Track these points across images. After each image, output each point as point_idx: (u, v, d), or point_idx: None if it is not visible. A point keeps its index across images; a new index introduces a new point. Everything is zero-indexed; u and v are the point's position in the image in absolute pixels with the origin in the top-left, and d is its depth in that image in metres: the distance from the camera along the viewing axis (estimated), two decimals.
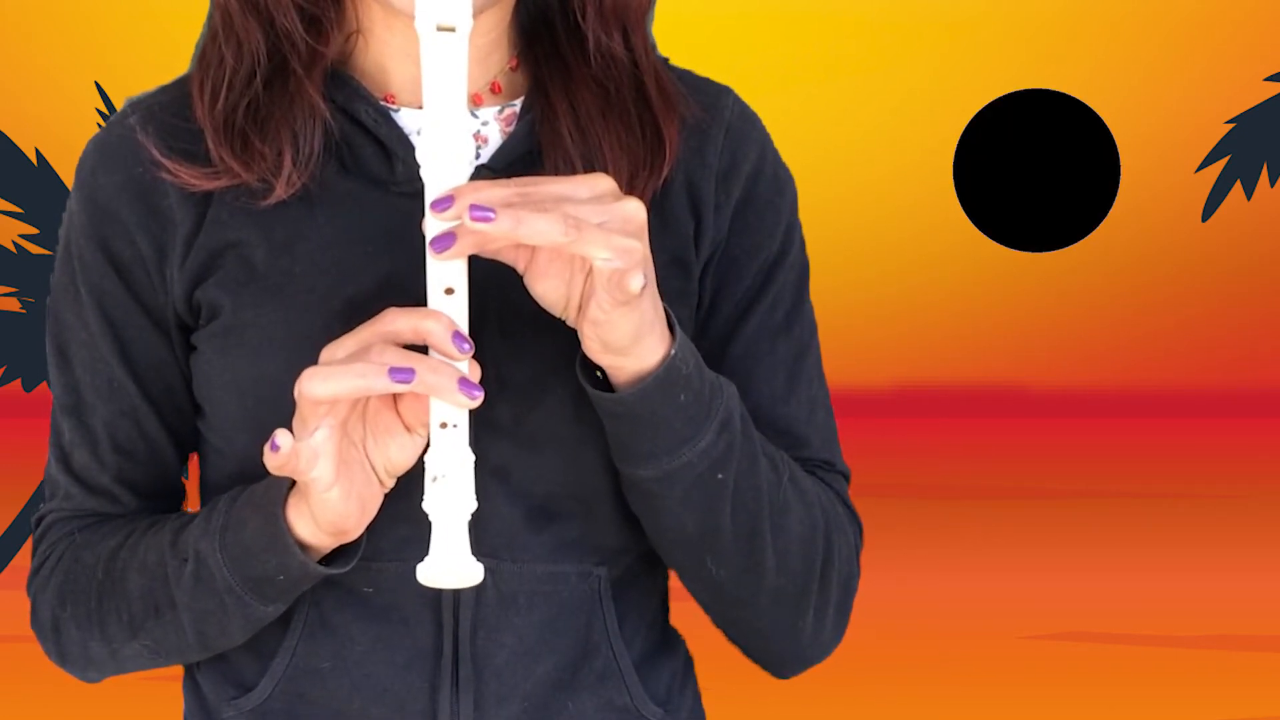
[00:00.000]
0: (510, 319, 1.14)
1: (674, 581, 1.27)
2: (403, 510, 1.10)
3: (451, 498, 1.05)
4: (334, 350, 1.06)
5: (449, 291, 1.05)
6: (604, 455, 1.15)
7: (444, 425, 1.05)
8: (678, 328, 1.09)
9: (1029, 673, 3.08)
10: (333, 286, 1.15)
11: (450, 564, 1.06)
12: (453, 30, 1.04)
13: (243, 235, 1.16)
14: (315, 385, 1.03)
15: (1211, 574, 3.11)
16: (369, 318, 1.10)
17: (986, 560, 3.12)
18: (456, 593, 1.16)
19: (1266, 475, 3.16)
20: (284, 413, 1.07)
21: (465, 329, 1.05)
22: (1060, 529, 3.19)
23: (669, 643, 1.28)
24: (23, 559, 1.56)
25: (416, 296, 1.07)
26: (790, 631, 1.22)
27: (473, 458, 1.06)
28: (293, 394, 1.06)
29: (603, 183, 1.05)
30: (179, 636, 1.17)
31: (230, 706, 1.21)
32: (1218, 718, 3.03)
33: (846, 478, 1.28)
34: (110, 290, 1.19)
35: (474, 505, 1.06)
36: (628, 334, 1.06)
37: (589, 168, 1.16)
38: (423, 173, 1.04)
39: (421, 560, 1.06)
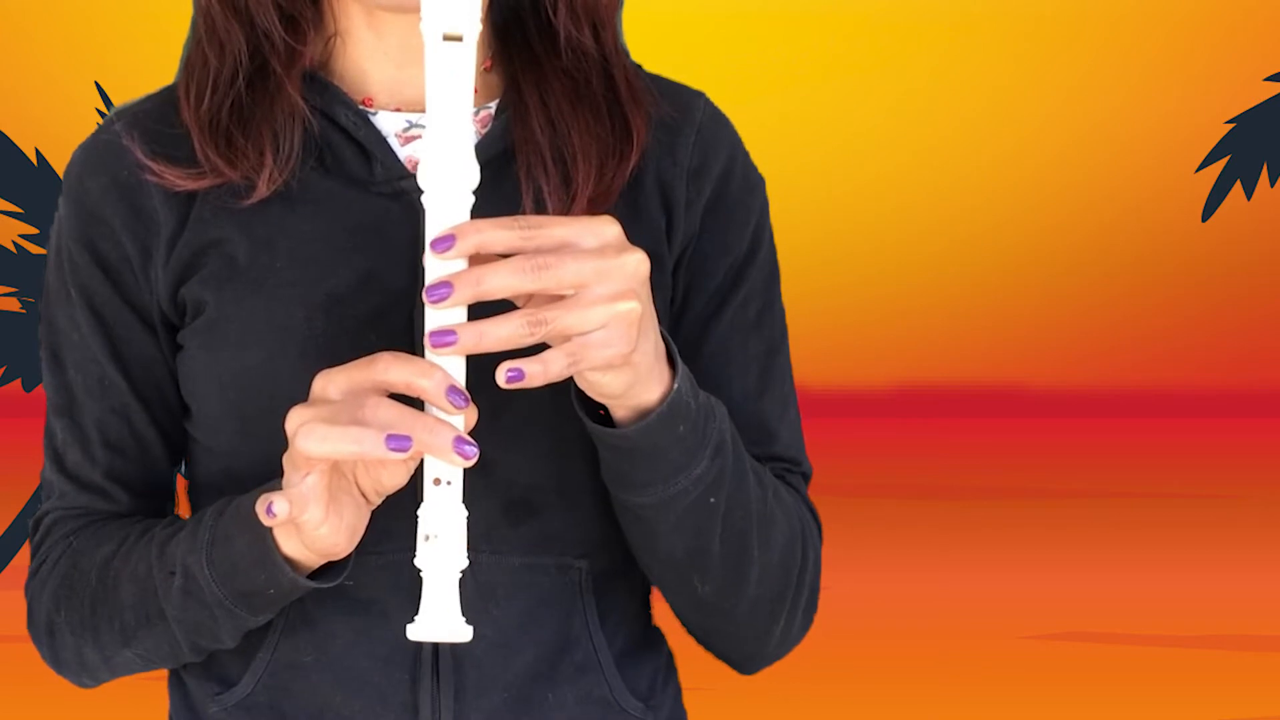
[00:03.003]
0: (486, 309, 1.13)
1: None
2: (383, 503, 1.10)
3: (443, 557, 1.03)
4: (325, 385, 1.04)
5: None
6: (587, 446, 1.14)
7: (437, 482, 1.03)
8: (679, 361, 1.09)
9: (1029, 673, 3.08)
10: (313, 280, 1.16)
11: (440, 621, 1.04)
12: (459, 39, 1.01)
13: (225, 234, 1.17)
14: (311, 444, 1.02)
15: (1211, 574, 3.11)
16: (349, 311, 1.09)
17: (986, 560, 3.12)
18: None
19: (1266, 475, 3.16)
20: (266, 404, 1.08)
21: (462, 379, 1.02)
22: (1060, 529, 3.20)
23: (651, 640, 1.28)
24: (22, 559, 1.56)
25: (396, 290, 1.07)
26: (763, 635, 1.22)
27: (465, 514, 1.04)
28: (276, 385, 1.07)
29: (608, 230, 1.03)
30: (171, 644, 1.18)
31: (214, 702, 1.21)
32: (1218, 718, 3.03)
33: (807, 477, 1.28)
34: (99, 290, 1.20)
35: (465, 563, 1.04)
36: (623, 386, 1.06)
37: (559, 158, 1.17)
38: (425, 199, 1.02)
39: (409, 561, 1.06)
